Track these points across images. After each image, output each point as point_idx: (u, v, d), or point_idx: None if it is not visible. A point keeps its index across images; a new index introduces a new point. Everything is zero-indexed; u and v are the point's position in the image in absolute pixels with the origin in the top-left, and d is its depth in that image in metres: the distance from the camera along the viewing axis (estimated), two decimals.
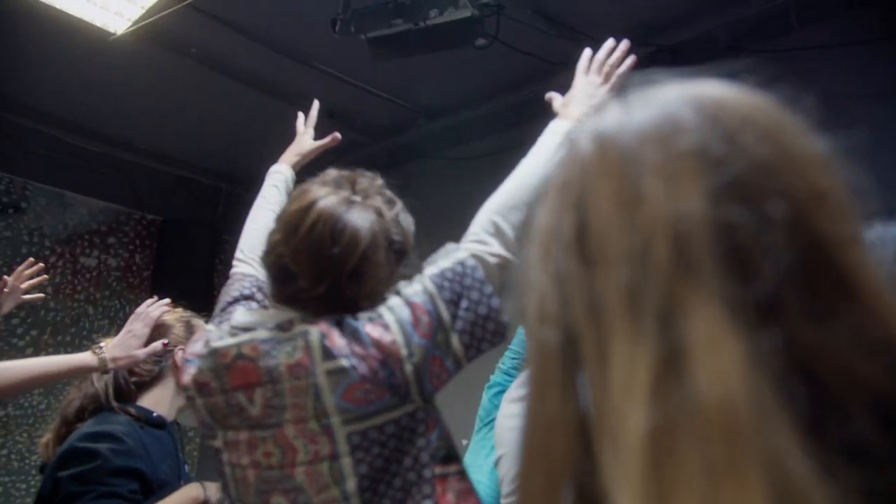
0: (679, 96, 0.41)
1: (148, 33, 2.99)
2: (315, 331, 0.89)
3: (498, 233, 0.99)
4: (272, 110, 3.82)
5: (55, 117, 4.18)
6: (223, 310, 1.16)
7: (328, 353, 0.88)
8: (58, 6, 2.86)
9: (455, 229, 1.14)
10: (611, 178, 0.39)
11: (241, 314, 1.00)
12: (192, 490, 1.47)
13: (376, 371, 0.87)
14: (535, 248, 0.42)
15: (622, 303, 0.35)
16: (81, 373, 1.51)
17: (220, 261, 5.32)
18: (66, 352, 4.61)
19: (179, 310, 1.68)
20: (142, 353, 1.55)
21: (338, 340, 0.88)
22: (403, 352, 0.88)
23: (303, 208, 0.92)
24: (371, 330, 0.89)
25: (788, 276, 0.34)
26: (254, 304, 1.17)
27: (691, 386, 0.32)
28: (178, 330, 1.62)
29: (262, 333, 0.91)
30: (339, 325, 0.90)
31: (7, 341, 4.39)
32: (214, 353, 0.92)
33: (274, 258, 0.94)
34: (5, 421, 4.31)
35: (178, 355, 1.57)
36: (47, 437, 1.52)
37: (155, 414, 1.54)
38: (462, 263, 0.96)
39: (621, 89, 0.44)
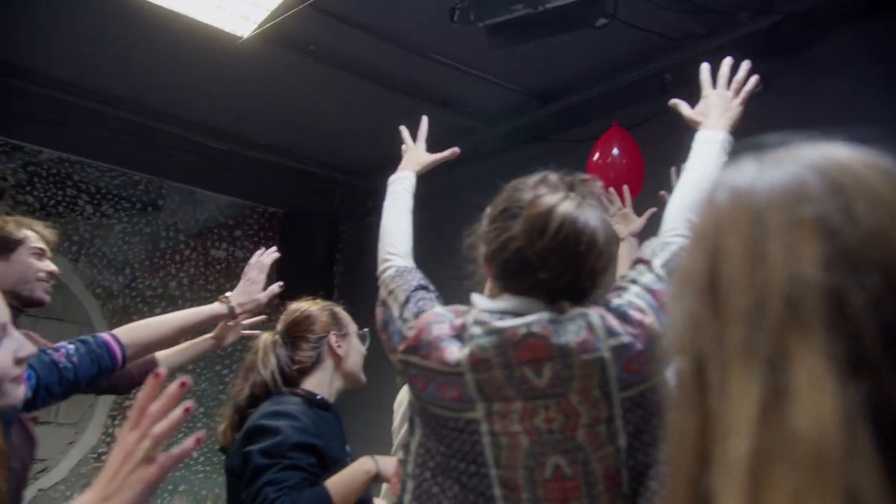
0: (807, 160, 0.46)
1: (271, 35, 3.12)
2: (594, 313, 1.05)
3: None
4: (387, 101, 3.91)
5: (185, 120, 4.44)
6: (409, 296, 1.20)
7: (611, 332, 1.03)
8: (188, 14, 3.04)
9: None
10: (739, 235, 0.45)
11: (486, 301, 1.10)
12: (365, 464, 1.59)
13: (645, 347, 1.04)
14: (674, 285, 0.50)
15: (740, 346, 0.42)
16: (215, 320, 1.78)
17: (339, 250, 5.51)
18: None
19: (321, 301, 1.83)
20: (262, 296, 1.86)
21: (612, 321, 1.04)
22: (660, 331, 1.04)
23: (544, 213, 1.05)
24: (635, 313, 1.06)
25: (883, 336, 0.39)
26: (431, 293, 1.24)
27: (791, 421, 0.39)
28: (325, 318, 1.77)
29: (545, 315, 1.04)
30: (608, 309, 1.07)
31: None
32: (500, 332, 1.03)
33: (510, 254, 1.08)
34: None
35: (332, 340, 1.73)
36: (223, 425, 1.70)
37: (319, 396, 1.68)
38: (675, 253, 1.14)
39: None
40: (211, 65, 3.50)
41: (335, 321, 1.76)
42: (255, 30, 3.07)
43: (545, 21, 2.31)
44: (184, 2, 2.98)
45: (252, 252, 4.87)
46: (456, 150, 1.65)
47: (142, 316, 4.80)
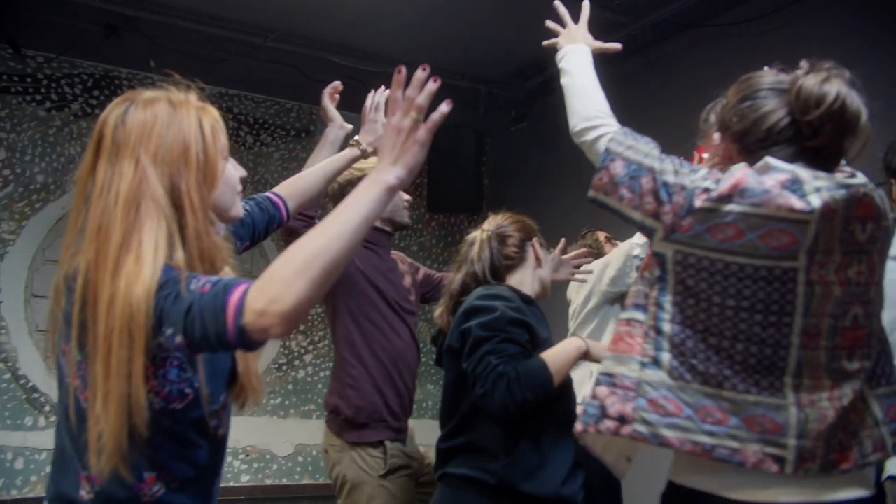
0: None
1: None
2: (870, 183, 1.16)
3: None
4: (526, 3, 3.75)
5: (329, 43, 4.52)
6: (662, 154, 1.22)
7: (890, 205, 1.17)
8: None
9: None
10: None
11: (786, 164, 1.14)
12: (575, 341, 1.70)
13: None
14: None
15: None
16: (351, 163, 1.89)
17: (484, 162, 5.50)
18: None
19: (505, 214, 1.93)
20: (381, 130, 1.92)
21: (884, 196, 1.16)
22: None
23: (817, 85, 1.15)
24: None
25: None
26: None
27: None
28: (530, 224, 1.90)
29: (866, 180, 1.15)
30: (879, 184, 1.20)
31: None
32: (848, 187, 1.11)
33: (772, 124, 1.17)
34: (324, 316, 5.00)
35: (536, 245, 1.86)
36: (440, 309, 1.87)
37: (522, 293, 1.80)
38: None
39: None
40: None
41: (536, 231, 1.91)
42: None
43: None
44: None
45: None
46: (618, 45, 1.58)
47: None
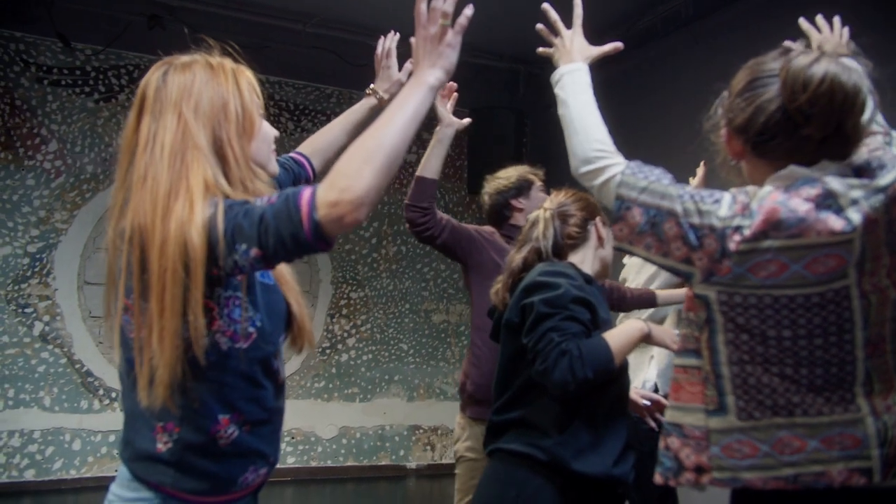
0: None
1: None
2: None
3: None
4: None
5: (366, 27, 4.51)
6: (682, 190, 1.15)
7: None
8: None
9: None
10: None
11: (811, 171, 1.09)
12: (637, 323, 1.69)
13: None
14: None
15: None
16: (372, 112, 1.84)
17: (524, 143, 5.45)
18: (402, 240, 5.20)
19: (568, 192, 1.89)
20: (401, 75, 1.86)
21: None
22: None
23: (803, 68, 1.08)
24: None
25: None
26: None
27: None
28: (594, 202, 1.85)
29: (893, 172, 1.08)
30: None
31: (356, 233, 5.07)
32: (884, 189, 1.06)
33: (767, 116, 1.10)
34: (365, 300, 5.06)
35: (599, 224, 1.83)
36: (497, 287, 1.81)
37: (584, 272, 1.77)
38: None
39: None
40: None
41: (600, 210, 1.87)
42: None
43: None
44: None
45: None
46: (619, 44, 1.49)
47: None
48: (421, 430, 5.14)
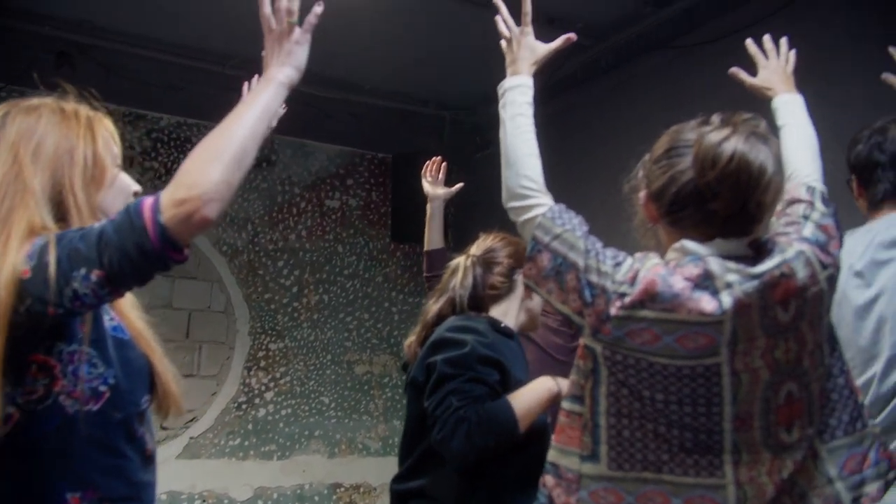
0: None
1: None
2: (805, 247, 1.13)
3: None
4: (489, 25, 3.71)
5: None
6: (590, 246, 1.17)
7: (823, 264, 1.13)
8: None
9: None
10: None
11: (701, 247, 1.12)
12: (546, 382, 1.56)
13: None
14: None
15: None
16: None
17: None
18: (325, 288, 5.03)
19: (510, 236, 1.77)
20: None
21: (820, 254, 1.13)
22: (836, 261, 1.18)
23: (714, 145, 1.10)
24: (830, 243, 1.17)
25: None
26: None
27: None
28: (521, 250, 1.69)
29: (790, 253, 1.11)
30: (811, 242, 1.14)
31: (276, 282, 4.88)
32: (760, 276, 1.08)
33: (679, 187, 1.13)
34: (285, 352, 4.84)
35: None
36: (410, 339, 1.71)
37: (503, 324, 1.67)
38: (825, 194, 1.27)
39: None
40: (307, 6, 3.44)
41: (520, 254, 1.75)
42: None
43: None
44: None
45: (365, 200, 4.87)
46: (572, 35, 1.43)
47: (266, 270, 4.98)
48: (342, 489, 4.89)
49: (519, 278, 1.71)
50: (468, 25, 3.73)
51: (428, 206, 2.52)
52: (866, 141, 1.67)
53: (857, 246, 1.59)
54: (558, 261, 1.16)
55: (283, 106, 1.70)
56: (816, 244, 1.15)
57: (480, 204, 5.53)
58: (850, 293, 1.56)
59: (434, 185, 2.53)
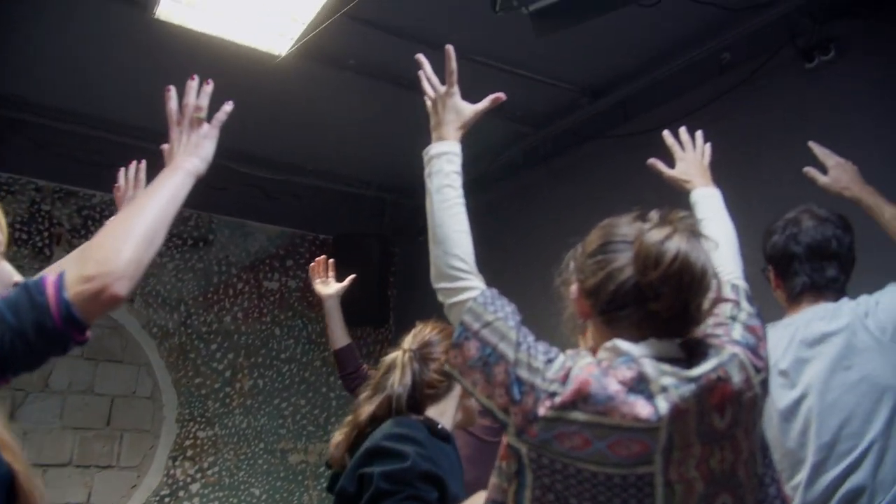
0: None
1: (310, 51, 3.03)
2: (738, 350, 1.09)
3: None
4: (424, 111, 3.76)
5: (230, 150, 4.40)
6: (520, 338, 1.10)
7: (756, 368, 1.09)
8: (223, 36, 2.97)
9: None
10: None
11: (636, 347, 1.07)
12: (479, 498, 1.43)
13: None
14: None
15: None
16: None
17: (391, 271, 5.39)
18: (259, 373, 4.85)
19: (435, 326, 1.70)
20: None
21: (752, 358, 1.09)
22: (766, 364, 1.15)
23: (657, 244, 1.06)
24: (759, 345, 1.13)
25: None
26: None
27: None
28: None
29: (724, 356, 1.07)
30: (742, 345, 1.10)
31: (208, 366, 4.68)
32: (697, 380, 1.03)
33: (618, 286, 1.09)
34: (214, 440, 4.59)
35: None
36: (338, 438, 1.58)
37: (440, 426, 1.55)
38: (748, 292, 1.25)
39: None
40: (251, 90, 3.43)
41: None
42: (293, 46, 2.99)
43: (593, 1, 2.15)
44: (218, 23, 2.92)
45: (305, 281, 4.75)
46: (501, 95, 1.37)
47: (198, 353, 4.78)
48: None
49: None
50: (409, 109, 3.79)
51: (324, 307, 2.55)
52: (781, 232, 1.67)
53: (780, 342, 1.58)
54: (487, 351, 1.09)
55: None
56: (748, 347, 1.11)
57: (422, 286, 5.51)
58: (775, 393, 1.53)
59: (324, 284, 2.57)
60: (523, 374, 1.06)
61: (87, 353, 4.29)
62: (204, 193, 4.69)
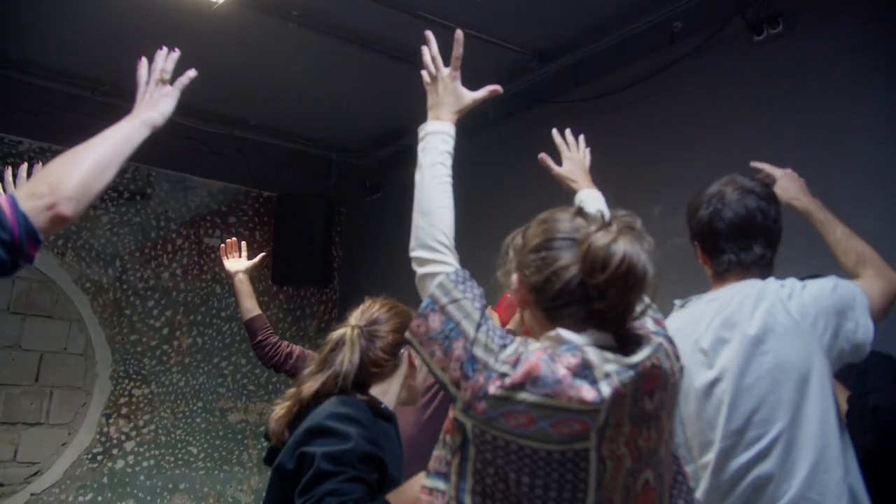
0: None
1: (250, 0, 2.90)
2: (661, 339, 1.17)
3: None
4: (378, 69, 3.69)
5: None
6: (482, 319, 1.15)
7: (676, 356, 1.19)
8: None
9: None
10: None
11: (578, 337, 1.12)
12: (418, 480, 1.42)
13: None
14: None
15: None
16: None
17: (337, 232, 5.31)
18: (199, 331, 4.75)
19: (396, 303, 1.65)
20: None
21: (672, 347, 1.19)
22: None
23: (604, 247, 1.10)
24: (672, 338, 1.22)
25: None
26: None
27: None
28: (408, 322, 1.57)
29: (654, 345, 1.14)
30: (659, 335, 1.18)
31: (145, 323, 4.56)
32: (635, 367, 1.10)
33: (564, 284, 1.13)
34: (150, 398, 4.50)
35: (413, 352, 1.54)
36: (279, 412, 1.54)
37: (383, 406, 1.55)
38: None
39: None
40: (190, 38, 3.27)
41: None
42: None
43: None
44: None
45: (248, 238, 4.65)
46: (498, 87, 1.42)
47: (134, 310, 4.65)
48: None
49: (405, 355, 1.60)
50: (358, 67, 3.68)
51: (234, 282, 2.69)
52: (706, 206, 1.62)
53: (703, 317, 1.57)
54: (450, 325, 1.15)
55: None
56: (665, 338, 1.19)
57: (369, 246, 5.45)
58: (694, 370, 1.54)
59: (234, 262, 2.72)
60: (479, 352, 1.11)
61: (14, 308, 4.13)
62: (142, 145, 4.55)
